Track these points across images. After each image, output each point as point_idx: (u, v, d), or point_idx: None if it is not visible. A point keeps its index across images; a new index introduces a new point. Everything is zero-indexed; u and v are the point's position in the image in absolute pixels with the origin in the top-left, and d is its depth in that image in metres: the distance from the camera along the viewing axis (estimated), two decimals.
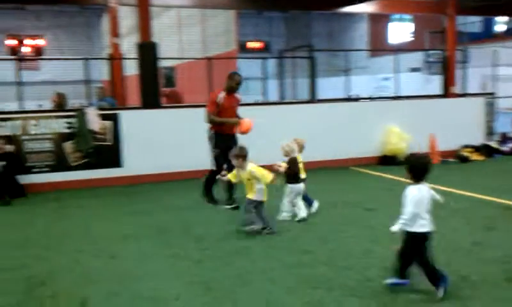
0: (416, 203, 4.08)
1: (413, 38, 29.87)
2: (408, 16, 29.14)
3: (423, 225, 4.07)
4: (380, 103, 13.36)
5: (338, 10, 15.89)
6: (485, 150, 11.68)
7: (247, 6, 16.21)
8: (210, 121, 7.39)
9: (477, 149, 11.64)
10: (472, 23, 26.56)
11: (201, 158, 9.80)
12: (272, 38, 32.33)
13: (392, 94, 14.04)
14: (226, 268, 4.90)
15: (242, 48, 28.93)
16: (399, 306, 3.99)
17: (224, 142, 7.31)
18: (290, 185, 6.61)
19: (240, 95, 7.73)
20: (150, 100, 9.97)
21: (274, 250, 5.40)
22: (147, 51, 9.94)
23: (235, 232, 6.10)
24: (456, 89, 15.18)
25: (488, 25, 27.97)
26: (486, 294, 4.14)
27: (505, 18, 25.86)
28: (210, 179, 7.57)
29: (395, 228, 4.15)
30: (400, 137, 10.95)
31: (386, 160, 10.91)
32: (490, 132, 13.26)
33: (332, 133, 10.89)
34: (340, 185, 9.11)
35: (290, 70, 18.22)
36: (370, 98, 14.96)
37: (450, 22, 16.18)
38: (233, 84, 7.43)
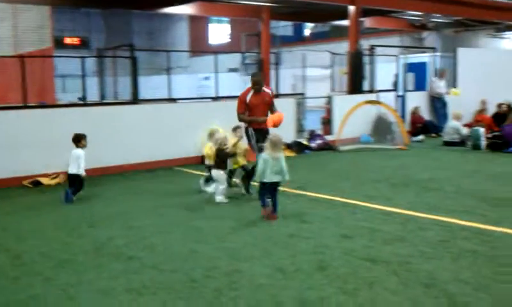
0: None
1: (230, 40, 31.06)
2: (226, 19, 30.18)
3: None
4: (202, 103, 13.73)
5: (158, 11, 15.93)
6: (297, 147, 12.64)
7: (62, 1, 15.43)
8: (240, 120, 8.06)
9: (289, 146, 12.53)
10: (283, 27, 28.45)
11: (14, 164, 9.23)
12: (91, 33, 31.14)
13: (213, 94, 14.52)
14: (48, 284, 4.69)
15: (59, 44, 27.42)
16: (223, 305, 4.21)
17: (258, 135, 7.95)
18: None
19: (268, 89, 8.29)
20: None
21: (101, 258, 5.31)
22: None
23: (60, 243, 5.86)
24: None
25: (298, 29, 30.26)
26: (300, 283, 4.56)
27: (312, 24, 28.22)
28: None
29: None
30: None
31: None
32: (301, 130, 14.41)
33: (156, 133, 10.92)
34: (165, 185, 9.19)
35: (110, 67, 17.76)
36: (193, 99, 15.31)
37: (264, 26, 17.22)
38: (252, 84, 8.01)
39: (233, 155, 7.94)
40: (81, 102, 13.39)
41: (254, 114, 8.01)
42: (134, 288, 4.50)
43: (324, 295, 4.30)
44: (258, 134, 7.96)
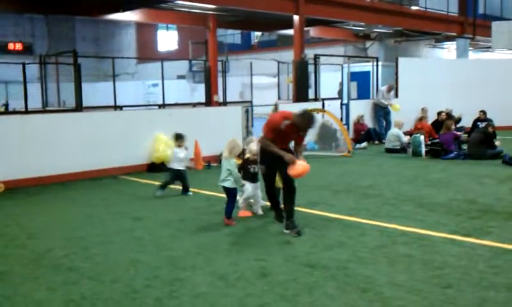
0: None
1: (179, 47, 30.93)
2: (174, 26, 30.04)
3: None
4: (148, 111, 13.62)
5: (103, 17, 15.71)
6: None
7: (1, 6, 15.02)
8: (262, 144, 6.61)
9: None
10: (232, 35, 28.62)
11: None
12: (35, 39, 30.31)
13: (160, 102, 14.44)
14: None
15: (1, 49, 26.82)
16: None
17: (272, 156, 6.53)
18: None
19: None
20: None
21: (39, 269, 5.20)
22: None
23: None
24: (218, 97, 16.27)
25: (247, 38, 30.50)
26: (241, 291, 4.60)
27: (259, 33, 28.49)
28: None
29: None
30: (166, 144, 11.30)
31: (154, 168, 11.17)
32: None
33: (100, 141, 10.74)
34: (108, 194, 9.05)
35: (53, 74, 17.34)
36: (139, 106, 15.17)
37: (211, 34, 17.27)
38: (302, 127, 6.47)
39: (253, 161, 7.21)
40: (16, 110, 13.04)
41: (277, 139, 6.55)
42: (72, 300, 4.43)
43: (264, 301, 4.36)
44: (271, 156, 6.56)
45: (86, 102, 13.15)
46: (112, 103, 13.45)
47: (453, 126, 12.71)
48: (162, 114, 12.72)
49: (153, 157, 11.28)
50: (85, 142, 10.57)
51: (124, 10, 14.96)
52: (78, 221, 7.15)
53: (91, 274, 5.06)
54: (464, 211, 7.25)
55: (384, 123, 16.38)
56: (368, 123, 16.37)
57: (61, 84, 16.31)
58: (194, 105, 15.12)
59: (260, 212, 7.31)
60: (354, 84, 16.87)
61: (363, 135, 15.48)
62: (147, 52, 32.44)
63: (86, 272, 5.12)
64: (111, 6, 14.66)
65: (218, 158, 12.00)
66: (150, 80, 26.84)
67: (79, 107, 11.64)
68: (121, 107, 13.56)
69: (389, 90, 16.48)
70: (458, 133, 12.78)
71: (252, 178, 7.25)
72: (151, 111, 13.58)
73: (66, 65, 13.22)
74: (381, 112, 16.50)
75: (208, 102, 15.38)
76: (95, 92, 18.53)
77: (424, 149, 12.65)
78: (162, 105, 14.15)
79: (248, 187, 7.24)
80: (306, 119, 6.42)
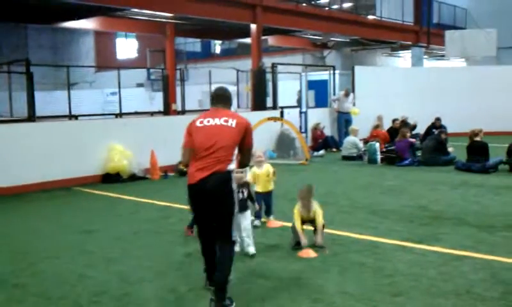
0: None
1: (139, 55, 30.61)
2: (132, 34, 29.69)
3: None
4: (103, 120, 13.40)
5: (57, 25, 15.41)
6: None
7: None
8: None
9: None
10: (192, 43, 28.51)
11: None
12: None
13: (117, 111, 14.22)
14: None
15: None
16: None
17: None
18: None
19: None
20: None
21: None
22: None
23: None
24: (176, 106, 16.15)
25: (207, 46, 30.41)
26: (191, 303, 4.54)
27: (219, 41, 28.45)
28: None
29: None
30: (122, 154, 11.13)
31: (109, 178, 10.97)
32: None
33: (53, 152, 10.47)
34: (59, 207, 8.83)
35: (5, 82, 16.89)
36: (95, 115, 14.92)
37: (169, 42, 17.17)
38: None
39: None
40: None
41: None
42: None
43: None
44: None
45: (43, 111, 12.84)
46: (67, 113, 13.18)
47: (408, 134, 12.92)
48: (117, 123, 12.52)
49: (108, 167, 11.07)
50: (38, 153, 10.28)
51: (79, 18, 14.70)
52: (27, 235, 6.95)
53: (37, 290, 4.91)
54: (417, 217, 7.37)
55: (345, 131, 16.53)
56: (327, 130, 16.51)
57: (15, 93, 15.91)
58: (152, 114, 14.96)
59: (252, 250, 5.81)
60: (311, 93, 17.00)
61: (320, 143, 15.60)
62: (106, 60, 31.96)
63: (32, 288, 4.96)
64: (65, 14, 14.37)
65: (175, 168, 11.89)
66: (108, 88, 26.43)
67: (31, 117, 11.34)
68: (76, 117, 13.29)
69: (346, 95, 16.66)
70: (413, 140, 13.01)
71: (240, 205, 4.96)
72: (106, 121, 13.34)
73: (19, 74, 12.88)
74: (342, 119, 16.63)
75: (167, 111, 15.24)
76: (53, 101, 18.14)
77: (379, 157, 12.82)
78: (119, 114, 13.94)
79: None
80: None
